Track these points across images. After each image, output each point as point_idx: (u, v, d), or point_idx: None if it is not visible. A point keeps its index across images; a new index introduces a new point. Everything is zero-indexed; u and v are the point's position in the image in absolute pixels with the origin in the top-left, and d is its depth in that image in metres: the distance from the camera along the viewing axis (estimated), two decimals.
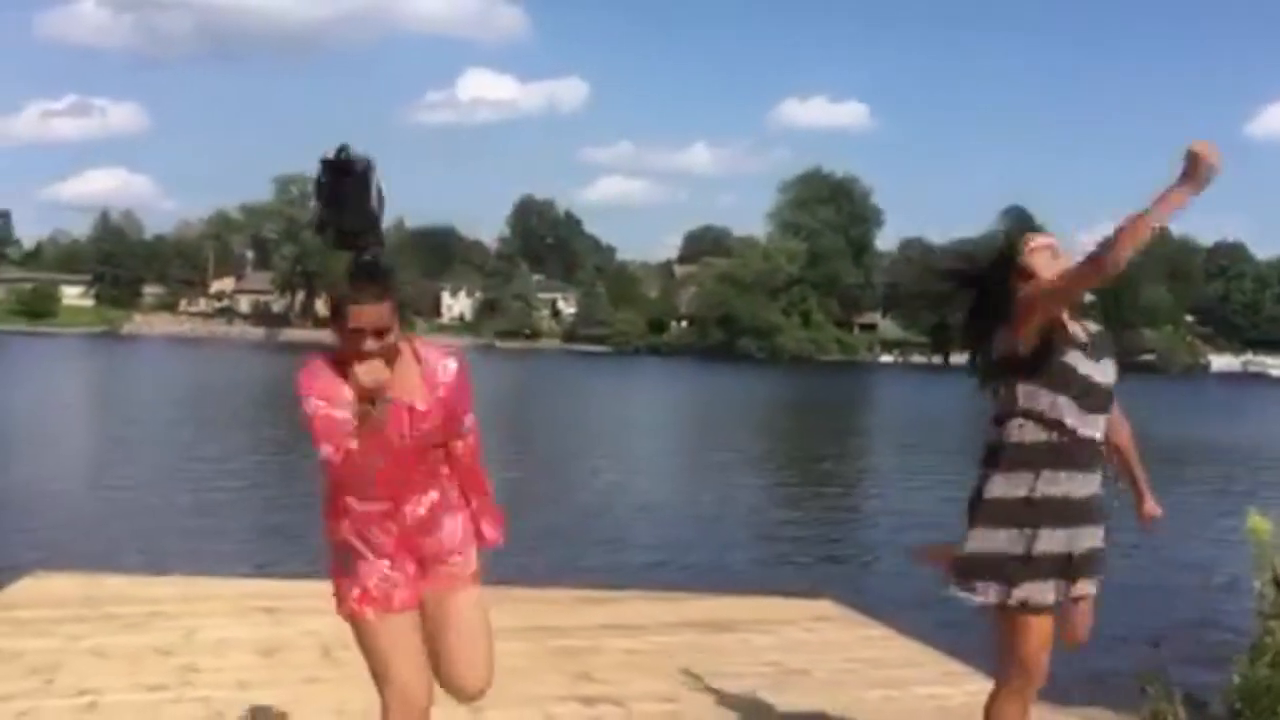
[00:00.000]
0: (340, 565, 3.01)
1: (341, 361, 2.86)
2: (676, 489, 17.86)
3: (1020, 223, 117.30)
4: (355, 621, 2.98)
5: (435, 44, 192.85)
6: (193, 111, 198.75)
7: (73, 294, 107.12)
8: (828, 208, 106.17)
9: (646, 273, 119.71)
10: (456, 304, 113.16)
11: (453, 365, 3.01)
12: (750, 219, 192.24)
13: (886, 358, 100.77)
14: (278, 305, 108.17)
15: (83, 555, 9.77)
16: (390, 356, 2.86)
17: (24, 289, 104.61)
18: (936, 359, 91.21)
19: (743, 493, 17.98)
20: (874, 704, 4.76)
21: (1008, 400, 3.28)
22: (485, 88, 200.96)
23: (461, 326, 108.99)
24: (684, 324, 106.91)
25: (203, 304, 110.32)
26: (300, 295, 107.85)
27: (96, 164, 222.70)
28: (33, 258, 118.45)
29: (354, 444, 2.82)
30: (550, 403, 38.59)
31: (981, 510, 3.29)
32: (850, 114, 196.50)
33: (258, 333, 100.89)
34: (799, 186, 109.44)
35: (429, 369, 2.97)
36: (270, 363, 53.45)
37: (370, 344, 2.80)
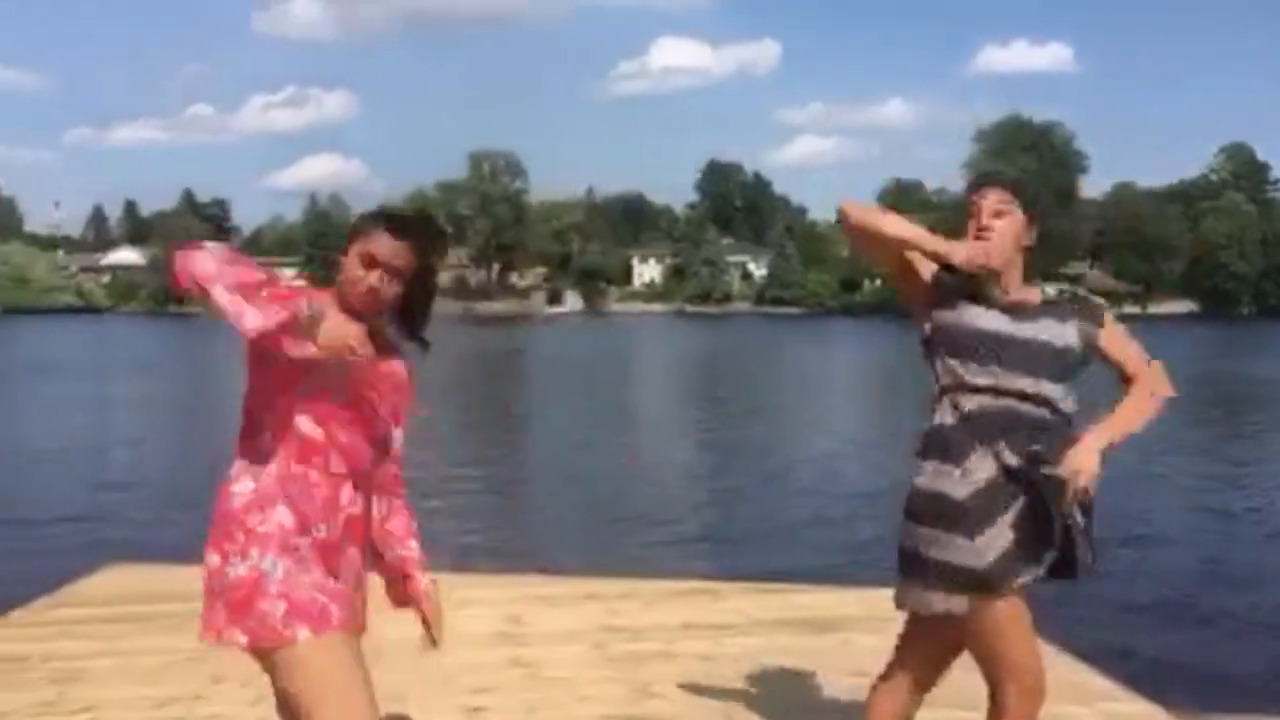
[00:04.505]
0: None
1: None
2: (862, 464, 16.94)
3: (1242, 160, 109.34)
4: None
5: (627, 15, 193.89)
6: (397, 95, 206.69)
7: (288, 276, 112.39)
8: (1028, 155, 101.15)
9: (838, 232, 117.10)
10: (646, 270, 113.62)
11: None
12: (950, 172, 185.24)
13: None
14: (474, 279, 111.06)
15: None
16: (376, 326, 2.52)
17: None
18: (1151, 308, 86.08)
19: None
20: None
21: None
22: (677, 55, 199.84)
23: (651, 293, 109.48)
24: (878, 283, 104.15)
25: None
26: (495, 269, 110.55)
27: (314, 151, 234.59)
28: (252, 244, 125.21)
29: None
30: (736, 369, 37.94)
31: None
32: (1054, 56, 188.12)
33: (456, 306, 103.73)
34: (996, 135, 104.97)
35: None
36: (465, 336, 54.74)
37: (373, 279, 2.43)
